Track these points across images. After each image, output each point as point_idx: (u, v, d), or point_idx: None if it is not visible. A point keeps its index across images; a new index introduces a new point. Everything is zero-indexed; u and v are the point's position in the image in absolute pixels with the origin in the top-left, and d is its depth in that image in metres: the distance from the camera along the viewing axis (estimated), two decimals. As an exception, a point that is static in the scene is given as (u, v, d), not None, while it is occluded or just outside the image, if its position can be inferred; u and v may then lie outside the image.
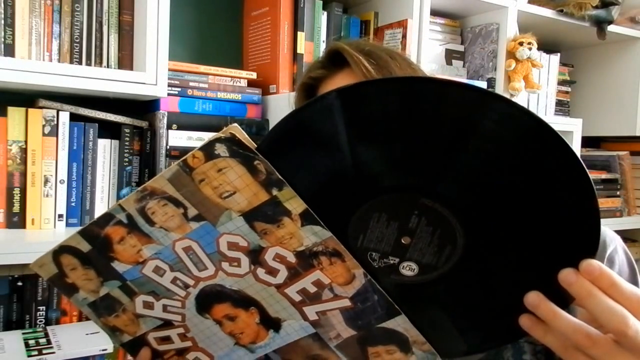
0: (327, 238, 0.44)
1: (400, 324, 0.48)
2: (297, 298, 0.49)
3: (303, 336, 0.52)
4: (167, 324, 0.54)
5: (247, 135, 0.41)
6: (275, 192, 0.42)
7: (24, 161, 0.97)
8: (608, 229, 0.68)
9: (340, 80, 0.68)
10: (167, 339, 0.55)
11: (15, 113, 0.96)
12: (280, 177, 0.42)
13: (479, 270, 0.44)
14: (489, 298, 0.46)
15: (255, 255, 0.47)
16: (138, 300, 0.52)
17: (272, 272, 0.48)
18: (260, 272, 0.48)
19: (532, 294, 0.42)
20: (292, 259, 0.46)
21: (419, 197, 0.42)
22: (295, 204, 0.43)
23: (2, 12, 0.95)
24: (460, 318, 0.48)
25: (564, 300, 0.41)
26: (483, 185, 0.41)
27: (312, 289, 0.48)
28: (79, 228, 0.48)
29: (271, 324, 0.52)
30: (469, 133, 0.39)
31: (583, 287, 0.40)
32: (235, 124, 0.41)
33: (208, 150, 0.41)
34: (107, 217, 0.47)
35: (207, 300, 0.51)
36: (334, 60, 0.69)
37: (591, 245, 0.41)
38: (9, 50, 0.96)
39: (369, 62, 0.65)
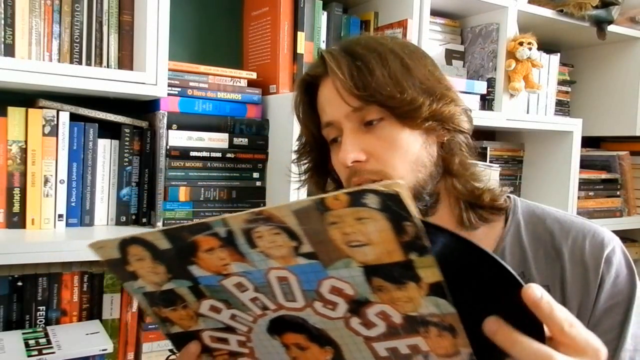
0: (449, 313, 0.41)
1: None
2: (384, 354, 0.46)
3: None
4: (229, 329, 0.51)
5: (410, 195, 0.37)
6: (413, 256, 0.39)
7: (24, 161, 0.97)
8: (606, 229, 0.68)
9: (333, 82, 0.68)
10: (223, 341, 0.53)
11: (15, 113, 0.96)
12: (427, 244, 0.38)
13: None
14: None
15: (357, 306, 0.43)
16: (205, 303, 0.49)
17: (369, 325, 0.44)
18: (355, 321, 0.45)
19: (490, 321, 0.41)
20: (397, 319, 0.43)
21: None
22: (430, 274, 0.39)
23: (2, 12, 0.95)
24: None
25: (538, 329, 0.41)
26: None
27: (405, 351, 0.45)
28: (159, 228, 0.45)
29: None
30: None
31: (505, 335, 0.40)
32: (403, 182, 0.36)
33: (356, 197, 0.37)
34: (203, 227, 0.43)
35: (283, 326, 0.48)
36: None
37: (515, 285, 0.41)
38: (9, 50, 0.96)
39: (349, 69, 0.64)
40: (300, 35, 1.24)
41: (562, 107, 1.74)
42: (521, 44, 1.41)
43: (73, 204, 1.01)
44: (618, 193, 1.70)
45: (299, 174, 0.80)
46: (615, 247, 0.66)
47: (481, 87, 1.41)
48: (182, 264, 0.46)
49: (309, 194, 0.98)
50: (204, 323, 0.51)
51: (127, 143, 1.05)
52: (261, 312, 0.48)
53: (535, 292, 0.39)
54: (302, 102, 0.74)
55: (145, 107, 1.14)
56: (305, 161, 0.78)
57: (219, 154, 1.12)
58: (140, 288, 0.50)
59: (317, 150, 0.76)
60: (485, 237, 0.69)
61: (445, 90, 0.66)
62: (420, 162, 0.66)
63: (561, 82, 1.72)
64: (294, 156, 0.79)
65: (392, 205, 0.37)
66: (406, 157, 0.65)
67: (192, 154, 1.09)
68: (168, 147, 1.06)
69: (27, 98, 1.03)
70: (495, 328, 0.40)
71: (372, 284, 0.41)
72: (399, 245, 0.39)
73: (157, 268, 0.47)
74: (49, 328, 0.94)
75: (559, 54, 1.64)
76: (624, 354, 0.61)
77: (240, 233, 0.42)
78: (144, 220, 1.08)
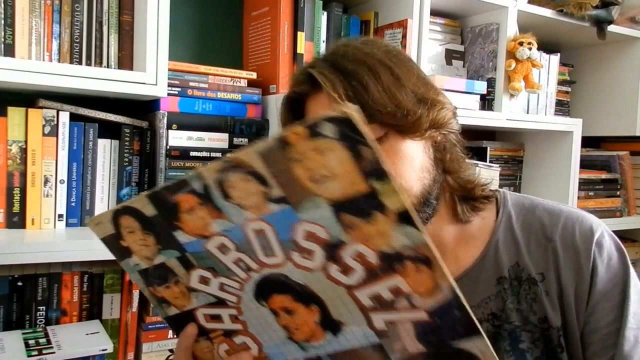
0: (421, 243, 0.40)
1: (477, 345, 0.44)
2: (368, 303, 0.45)
3: (364, 345, 0.48)
4: (220, 303, 0.52)
5: (363, 118, 0.37)
6: (375, 184, 0.39)
7: (24, 161, 0.97)
8: (593, 215, 0.72)
9: (324, 100, 0.65)
10: (217, 318, 0.53)
11: (15, 113, 0.96)
12: (386, 168, 0.38)
13: None
14: None
15: (333, 250, 0.43)
16: (194, 274, 0.50)
17: (347, 270, 0.44)
18: (333, 269, 0.44)
19: None
20: (373, 259, 0.43)
21: None
22: (395, 201, 0.39)
23: (2, 12, 0.95)
24: None
25: None
26: None
27: (387, 296, 0.44)
28: (144, 193, 0.46)
29: (331, 325, 0.48)
30: None
31: None
32: (357, 107, 0.37)
33: (313, 128, 0.38)
34: (182, 184, 0.44)
35: (268, 288, 0.48)
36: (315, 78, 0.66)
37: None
38: (9, 50, 0.96)
39: (344, 90, 0.62)
40: (300, 35, 1.24)
41: (562, 107, 1.74)
42: (521, 44, 1.41)
43: (73, 204, 1.01)
44: (618, 193, 1.70)
45: None
46: (603, 231, 0.69)
47: (481, 87, 1.41)
48: (168, 231, 0.48)
49: None
50: (197, 299, 0.52)
51: (127, 143, 1.06)
52: (246, 275, 0.48)
53: None
54: (289, 121, 0.72)
55: (145, 107, 1.14)
56: None
57: (219, 154, 1.12)
58: (135, 265, 0.51)
59: None
60: (479, 231, 0.71)
61: (435, 95, 0.66)
62: (425, 168, 0.66)
63: (561, 82, 1.72)
64: None
65: (347, 131, 0.37)
66: (413, 166, 0.65)
67: (192, 154, 1.09)
68: (168, 147, 1.06)
69: (27, 98, 1.04)
70: None
71: (343, 221, 0.42)
72: (361, 174, 0.39)
73: (147, 239, 0.49)
74: (49, 328, 0.94)
75: (559, 54, 1.65)
76: (629, 332, 0.63)
77: (215, 186, 0.43)
78: (144, 220, 1.08)
